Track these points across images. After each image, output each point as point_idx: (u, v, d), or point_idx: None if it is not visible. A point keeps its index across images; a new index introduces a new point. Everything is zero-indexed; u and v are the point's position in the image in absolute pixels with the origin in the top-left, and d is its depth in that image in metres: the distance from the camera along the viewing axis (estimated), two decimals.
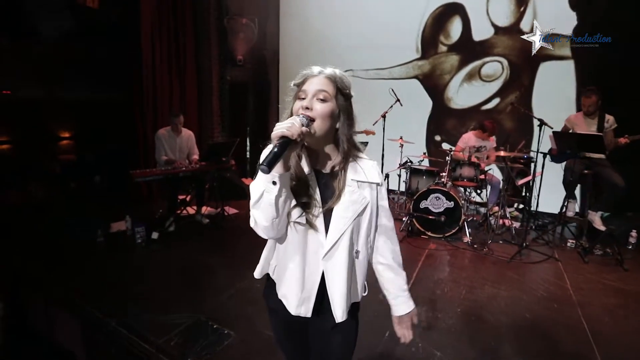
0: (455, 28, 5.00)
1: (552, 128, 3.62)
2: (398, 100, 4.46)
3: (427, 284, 2.97)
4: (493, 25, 4.78)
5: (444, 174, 4.13)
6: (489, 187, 4.35)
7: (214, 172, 4.22)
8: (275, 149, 0.90)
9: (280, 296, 1.13)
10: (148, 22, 4.88)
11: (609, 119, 3.78)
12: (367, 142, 4.48)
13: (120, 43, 4.87)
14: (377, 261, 1.19)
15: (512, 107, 4.00)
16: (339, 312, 1.07)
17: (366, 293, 1.18)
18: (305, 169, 1.06)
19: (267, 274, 1.22)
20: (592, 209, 4.01)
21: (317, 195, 1.05)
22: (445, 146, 5.12)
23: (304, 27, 6.04)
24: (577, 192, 4.37)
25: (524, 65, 4.70)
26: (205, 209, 4.42)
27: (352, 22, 5.61)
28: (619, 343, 2.29)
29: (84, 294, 2.61)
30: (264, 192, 0.95)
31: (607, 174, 3.77)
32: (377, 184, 1.12)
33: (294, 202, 1.03)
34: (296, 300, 1.08)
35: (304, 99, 1.02)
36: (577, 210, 4.37)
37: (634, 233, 3.88)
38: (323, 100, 1.01)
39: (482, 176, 4.15)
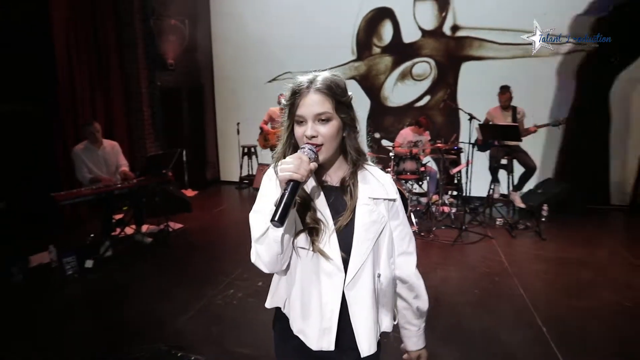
0: (386, 31, 5.32)
1: (480, 121, 4.06)
2: None
3: None
4: (420, 28, 5.19)
5: (388, 169, 4.37)
6: (427, 178, 4.72)
7: (154, 186, 3.91)
8: (285, 198, 0.78)
9: (296, 332, 0.99)
10: (61, 27, 4.32)
11: (520, 111, 4.36)
12: None
13: (28, 49, 4.23)
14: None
15: (445, 103, 4.38)
16: (365, 346, 0.94)
17: (396, 322, 1.08)
18: (311, 185, 0.94)
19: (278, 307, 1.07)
20: (513, 190, 4.60)
21: (327, 214, 0.93)
22: (385, 143, 5.43)
23: (237, 29, 5.89)
24: (502, 176, 4.95)
25: (449, 65, 5.18)
26: (146, 227, 4.08)
27: (288, 23, 5.63)
28: (551, 302, 2.67)
29: (15, 345, 2.24)
30: (269, 228, 0.85)
31: (522, 158, 4.36)
32: (394, 200, 1.00)
33: (299, 226, 0.92)
34: (316, 333, 0.94)
35: (302, 122, 0.90)
36: (502, 191, 4.96)
37: (545, 207, 4.54)
38: (325, 121, 0.89)
39: (422, 168, 4.48)
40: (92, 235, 3.82)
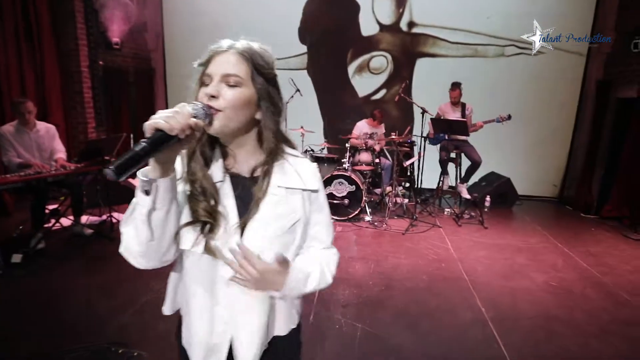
0: (356, 22, 5.32)
1: (432, 115, 4.22)
2: (298, 90, 4.55)
3: (341, 265, 3.15)
4: (378, 22, 5.26)
5: (344, 160, 4.42)
6: (382, 170, 4.85)
7: (96, 173, 3.61)
8: (139, 147, 0.62)
9: (183, 343, 0.87)
10: None
11: (469, 107, 4.62)
12: None
13: None
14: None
15: (400, 97, 4.50)
16: (249, 355, 0.82)
17: (295, 325, 0.92)
18: (217, 174, 0.80)
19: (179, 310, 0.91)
20: (460, 182, 4.88)
21: (231, 207, 0.79)
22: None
23: (191, 10, 5.58)
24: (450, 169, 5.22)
25: (404, 61, 5.33)
26: (85, 218, 3.76)
27: (244, 10, 5.43)
28: (490, 285, 2.87)
29: None
30: (136, 204, 0.70)
31: (469, 152, 4.62)
32: (313, 191, 0.86)
33: (185, 218, 0.76)
34: (202, 350, 0.82)
35: (208, 84, 0.76)
36: (450, 184, 5.23)
37: (488, 198, 4.88)
38: (234, 86, 0.75)
39: (377, 160, 4.59)
40: (20, 227, 3.44)
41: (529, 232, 4.12)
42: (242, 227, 0.78)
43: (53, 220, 3.49)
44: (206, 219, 0.76)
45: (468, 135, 4.41)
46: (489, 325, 2.34)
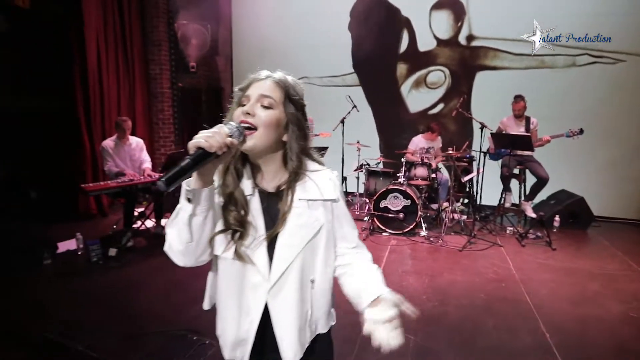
0: (403, 39, 5.42)
1: (491, 130, 4.10)
2: (355, 106, 4.71)
3: (393, 278, 3.20)
4: (435, 37, 5.27)
5: (400, 174, 4.45)
6: (439, 185, 4.76)
7: None
8: (184, 162, 0.73)
9: (217, 334, 0.99)
10: (92, 25, 4.58)
11: (534, 121, 4.39)
12: (327, 147, 4.67)
13: (59, 47, 4.50)
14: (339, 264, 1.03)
15: (457, 111, 4.45)
16: (290, 354, 0.92)
17: (334, 323, 1.06)
18: (248, 188, 0.91)
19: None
20: (525, 200, 4.60)
21: (259, 220, 0.90)
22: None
23: (256, 33, 6.10)
24: (513, 185, 4.96)
25: (463, 74, 5.25)
26: (165, 221, 4.26)
27: (305, 28, 5.80)
28: (555, 310, 2.69)
29: (41, 323, 2.41)
30: (180, 209, 0.82)
31: (534, 168, 4.37)
32: (333, 201, 0.96)
33: (219, 226, 0.87)
34: (231, 341, 0.94)
35: (245, 105, 0.88)
36: (513, 201, 4.96)
37: (557, 218, 4.53)
38: (267, 107, 0.86)
39: (434, 175, 4.54)
40: (114, 226, 4.02)
41: (606, 257, 3.75)
42: (270, 238, 0.90)
43: (140, 222, 4.01)
44: (236, 227, 0.87)
45: (532, 150, 4.18)
46: (553, 351, 2.21)
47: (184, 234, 0.82)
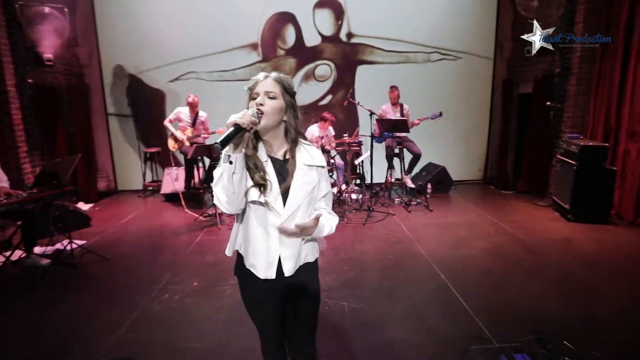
0: (289, 34, 5.65)
1: (378, 116, 4.73)
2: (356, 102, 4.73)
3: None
4: (320, 34, 5.68)
5: None
6: (336, 171, 5.25)
7: (52, 198, 3.42)
8: (228, 132, 1.06)
9: (248, 266, 1.31)
10: None
11: (406, 107, 5.24)
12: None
13: None
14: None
15: (349, 102, 4.94)
16: (289, 267, 1.28)
17: (318, 255, 1.41)
18: (262, 157, 1.25)
19: (236, 251, 1.37)
20: (405, 173, 5.49)
21: (274, 179, 1.24)
22: None
23: (126, 24, 5.42)
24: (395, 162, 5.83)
25: (346, 68, 5.83)
26: (42, 249, 3.53)
27: (185, 22, 5.46)
28: (443, 256, 3.40)
29: None
30: (223, 171, 1.12)
31: (410, 147, 5.25)
32: (322, 167, 1.34)
33: (250, 183, 1.21)
34: (263, 266, 1.28)
35: (255, 98, 1.22)
36: (397, 176, 5.84)
37: (429, 185, 5.57)
38: (272, 98, 1.21)
39: (332, 160, 4.98)
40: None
41: (465, 210, 4.85)
42: (283, 190, 1.25)
43: (7, 253, 3.23)
44: (260, 182, 1.22)
45: (409, 131, 5.02)
46: (449, 287, 2.84)
47: (229, 187, 1.14)
